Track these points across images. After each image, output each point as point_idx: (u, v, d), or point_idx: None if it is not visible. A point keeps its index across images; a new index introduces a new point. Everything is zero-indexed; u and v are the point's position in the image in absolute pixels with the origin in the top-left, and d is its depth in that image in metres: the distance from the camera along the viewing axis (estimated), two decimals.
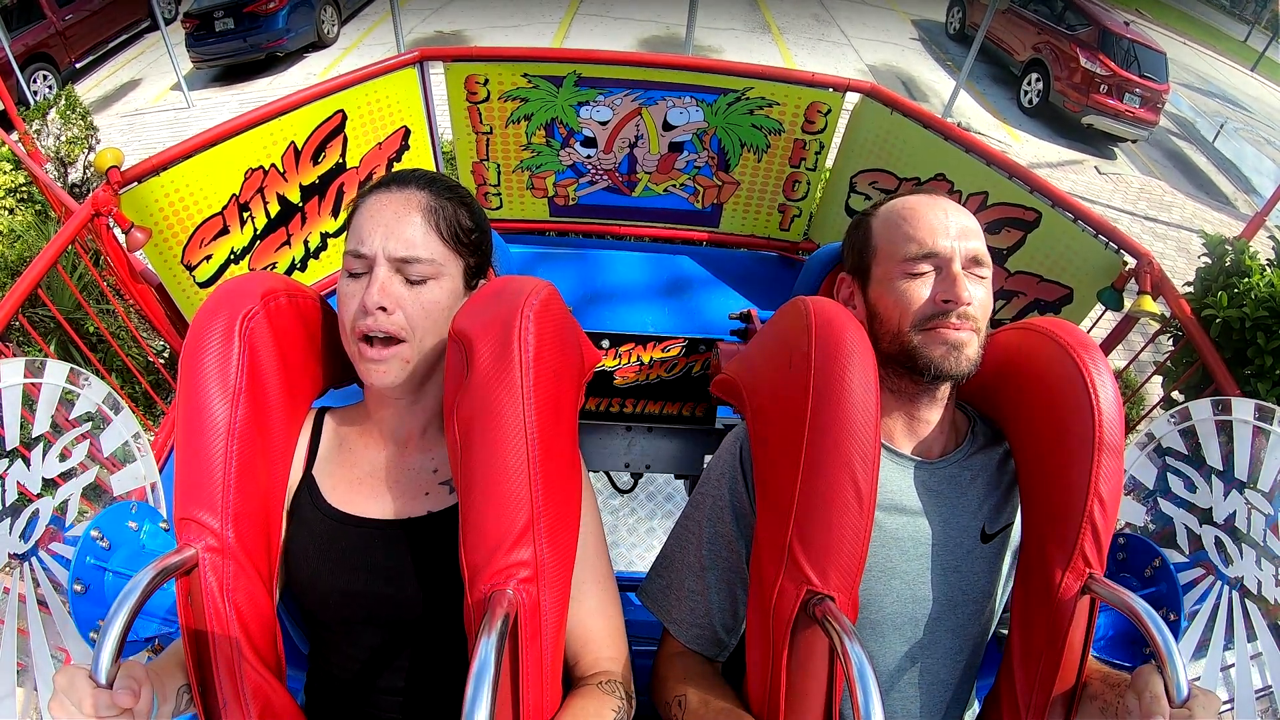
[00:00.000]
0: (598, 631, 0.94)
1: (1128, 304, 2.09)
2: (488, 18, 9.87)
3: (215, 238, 2.18)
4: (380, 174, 2.50)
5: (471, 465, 0.79)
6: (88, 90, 8.34)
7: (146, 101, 8.03)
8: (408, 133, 2.53)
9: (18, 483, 1.08)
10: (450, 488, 0.95)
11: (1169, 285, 2.01)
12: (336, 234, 2.53)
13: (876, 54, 9.90)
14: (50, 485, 1.12)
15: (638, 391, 1.57)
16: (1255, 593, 1.13)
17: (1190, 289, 2.68)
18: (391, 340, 0.90)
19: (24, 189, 4.34)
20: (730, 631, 0.99)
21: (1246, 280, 2.43)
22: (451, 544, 0.82)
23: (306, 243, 2.46)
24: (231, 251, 2.25)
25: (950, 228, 0.94)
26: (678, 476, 1.77)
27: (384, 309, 0.88)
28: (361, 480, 0.96)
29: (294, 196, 2.34)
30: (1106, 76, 8.17)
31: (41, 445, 1.11)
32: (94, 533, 0.97)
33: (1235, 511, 1.17)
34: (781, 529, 0.82)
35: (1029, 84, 8.99)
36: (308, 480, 0.96)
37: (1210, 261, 2.63)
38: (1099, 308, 2.18)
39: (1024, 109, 9.06)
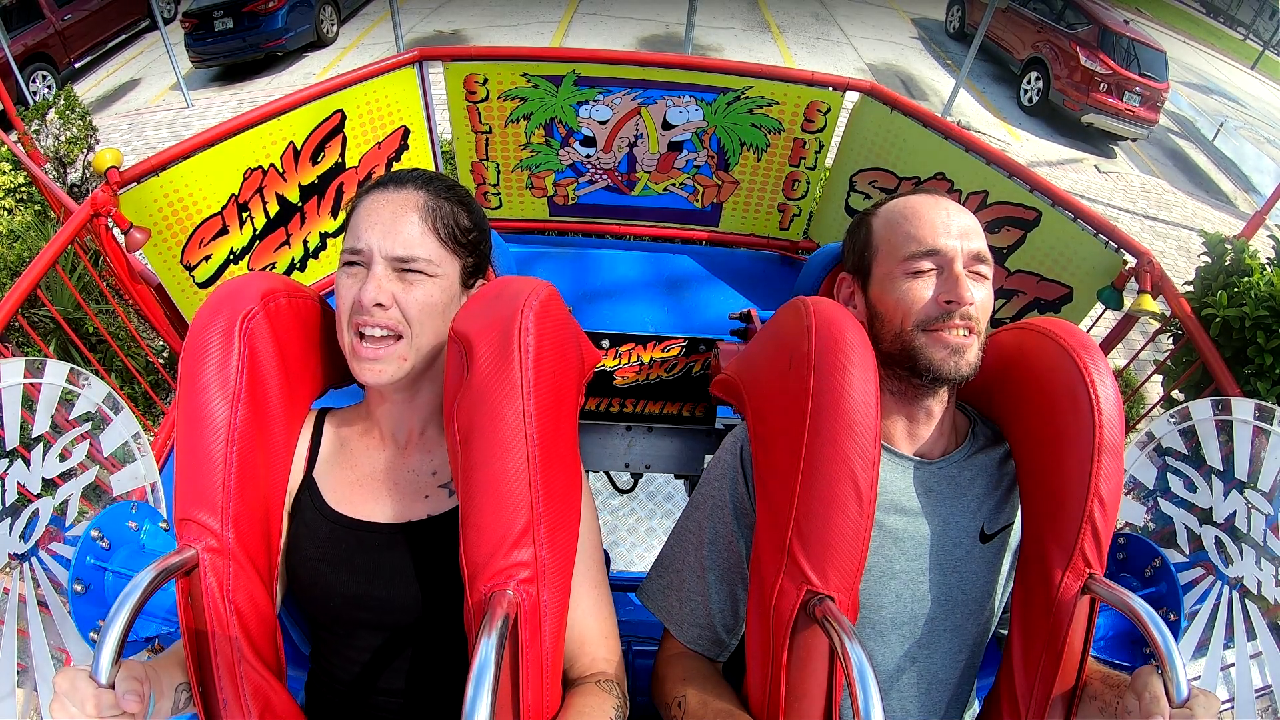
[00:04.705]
0: (594, 633, 0.94)
1: (1128, 303, 2.09)
2: (487, 17, 9.87)
3: (214, 238, 2.18)
4: (380, 174, 2.50)
5: (472, 466, 0.79)
6: (87, 90, 8.33)
7: (145, 101, 8.02)
8: (407, 132, 2.53)
9: (18, 483, 1.08)
10: (450, 490, 0.95)
11: (1169, 284, 2.01)
12: (336, 234, 2.53)
13: (876, 53, 9.89)
14: (50, 485, 1.12)
15: (638, 391, 1.57)
16: (1255, 593, 1.13)
17: (1190, 288, 2.68)
18: (387, 338, 0.90)
19: (23, 189, 4.34)
20: (730, 632, 0.99)
21: (1246, 279, 2.43)
22: (451, 547, 0.82)
23: (306, 243, 2.46)
24: (231, 252, 2.25)
25: (952, 227, 0.94)
26: (678, 476, 1.77)
27: (380, 306, 0.88)
28: (361, 482, 0.96)
29: (293, 196, 2.34)
30: (1106, 75, 8.16)
31: (41, 445, 1.11)
32: (94, 533, 0.97)
33: (1235, 511, 1.16)
34: (781, 529, 0.82)
35: (1029, 82, 8.99)
36: (308, 482, 0.96)
37: (1210, 260, 2.63)
38: (1099, 307, 2.18)
39: (1024, 107, 9.05)
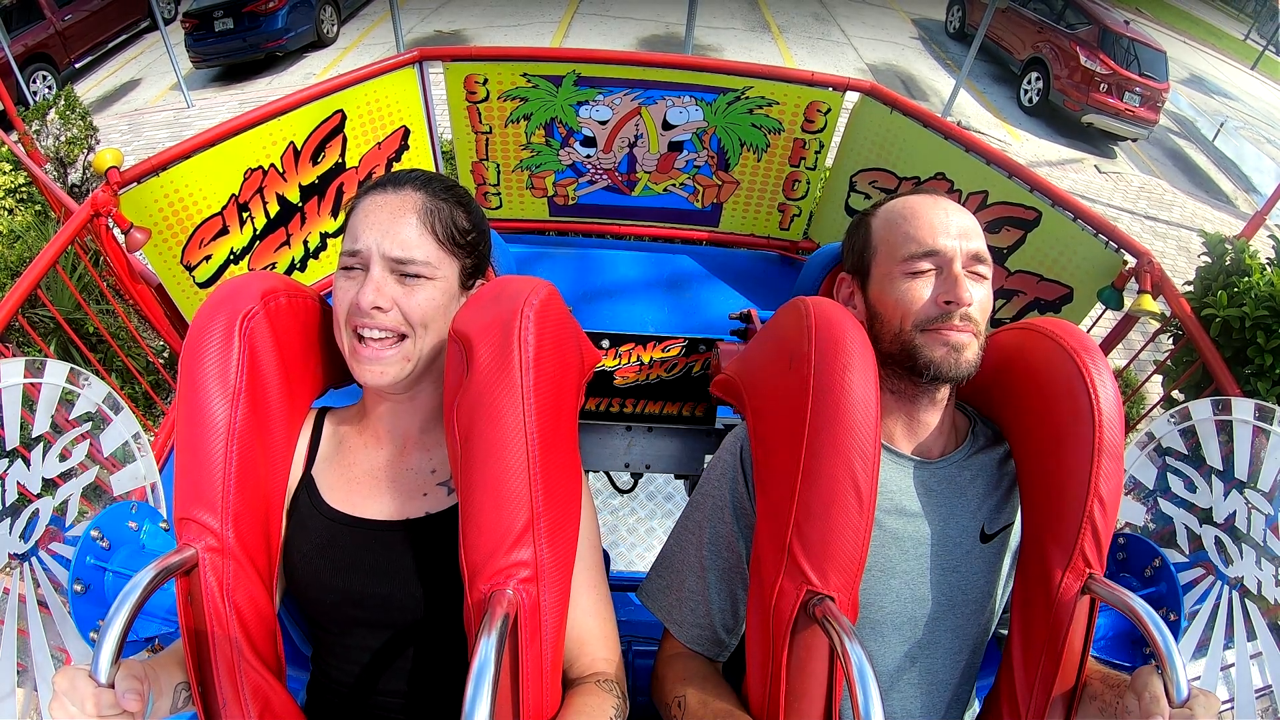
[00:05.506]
0: (593, 633, 0.94)
1: (1128, 303, 2.09)
2: (487, 17, 9.87)
3: (215, 238, 2.18)
4: (380, 174, 2.50)
5: (471, 465, 0.79)
6: (87, 90, 8.33)
7: (146, 102, 8.02)
8: (407, 132, 2.53)
9: (18, 483, 1.08)
10: (449, 489, 0.95)
11: (1169, 284, 2.01)
12: (336, 234, 2.53)
13: (876, 53, 9.89)
14: (50, 485, 1.12)
15: (638, 391, 1.57)
16: (1255, 592, 1.13)
17: (1190, 288, 2.68)
18: (388, 338, 0.90)
19: (24, 189, 4.34)
20: (730, 632, 0.99)
21: (1246, 279, 2.43)
22: (450, 545, 0.82)
23: (306, 243, 2.46)
24: (231, 252, 2.25)
25: (951, 227, 0.94)
26: (678, 476, 1.77)
27: (379, 309, 0.88)
28: (360, 480, 0.96)
29: (293, 196, 2.34)
30: (1106, 75, 8.16)
31: (41, 445, 1.11)
32: (94, 533, 0.97)
33: (1235, 511, 1.16)
34: (781, 529, 0.82)
35: (1029, 83, 8.99)
36: (307, 480, 0.96)
37: (1210, 260, 2.63)
38: (1099, 307, 2.18)
39: (1024, 108, 9.05)
